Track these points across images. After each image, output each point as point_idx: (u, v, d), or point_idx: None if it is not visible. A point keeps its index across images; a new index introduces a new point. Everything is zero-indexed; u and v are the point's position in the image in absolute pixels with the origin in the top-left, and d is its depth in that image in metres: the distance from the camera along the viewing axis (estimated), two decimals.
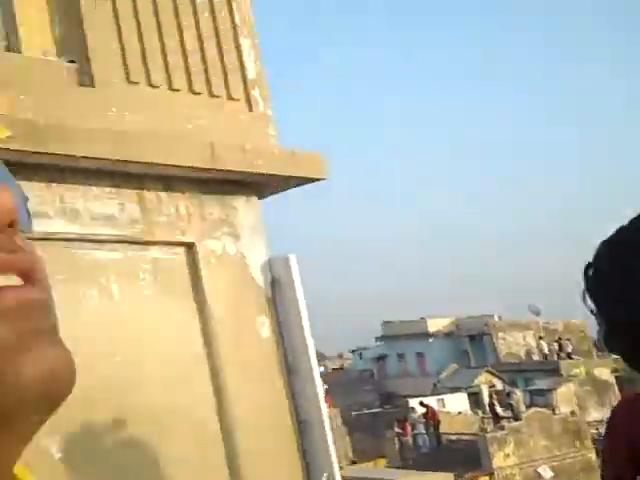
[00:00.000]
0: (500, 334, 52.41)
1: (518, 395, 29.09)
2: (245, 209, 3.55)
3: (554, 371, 38.83)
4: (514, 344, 51.95)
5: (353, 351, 61.54)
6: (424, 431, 22.64)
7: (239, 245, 3.46)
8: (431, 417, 23.56)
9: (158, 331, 3.06)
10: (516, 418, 24.50)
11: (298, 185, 3.67)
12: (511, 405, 27.82)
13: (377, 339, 53.91)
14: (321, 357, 72.69)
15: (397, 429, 24.33)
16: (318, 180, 3.65)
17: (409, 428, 24.59)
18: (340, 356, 66.73)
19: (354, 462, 25.20)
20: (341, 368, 57.98)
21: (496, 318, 55.41)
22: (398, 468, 20.71)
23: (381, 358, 53.38)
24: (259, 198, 3.66)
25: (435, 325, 53.44)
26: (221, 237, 3.42)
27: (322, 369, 55.04)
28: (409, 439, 23.89)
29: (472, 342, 51.59)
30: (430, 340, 51.60)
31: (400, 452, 23.38)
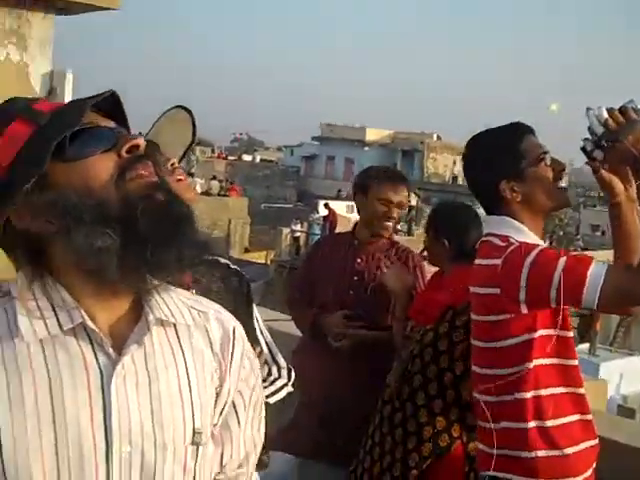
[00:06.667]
0: (432, 154, 53.70)
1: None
2: (39, 24, 4.11)
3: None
4: (442, 165, 53.48)
5: (285, 147, 62.13)
6: (319, 232, 23.88)
7: (24, 55, 4.06)
8: (331, 219, 24.73)
9: None
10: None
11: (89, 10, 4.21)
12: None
13: (313, 139, 54.60)
14: (260, 145, 73.34)
15: (293, 226, 25.66)
16: (109, 9, 4.19)
17: (300, 226, 25.94)
18: (279, 149, 67.44)
19: (247, 250, 26.85)
20: (272, 161, 58.84)
21: (435, 138, 56.37)
22: (286, 261, 22.17)
23: (311, 158, 54.35)
24: (57, 15, 4.20)
25: (374, 135, 54.28)
26: (7, 45, 4.00)
27: (250, 158, 55.94)
28: (302, 237, 25.32)
29: (404, 157, 52.78)
30: (365, 149, 52.60)
31: (290, 248, 24.93)
